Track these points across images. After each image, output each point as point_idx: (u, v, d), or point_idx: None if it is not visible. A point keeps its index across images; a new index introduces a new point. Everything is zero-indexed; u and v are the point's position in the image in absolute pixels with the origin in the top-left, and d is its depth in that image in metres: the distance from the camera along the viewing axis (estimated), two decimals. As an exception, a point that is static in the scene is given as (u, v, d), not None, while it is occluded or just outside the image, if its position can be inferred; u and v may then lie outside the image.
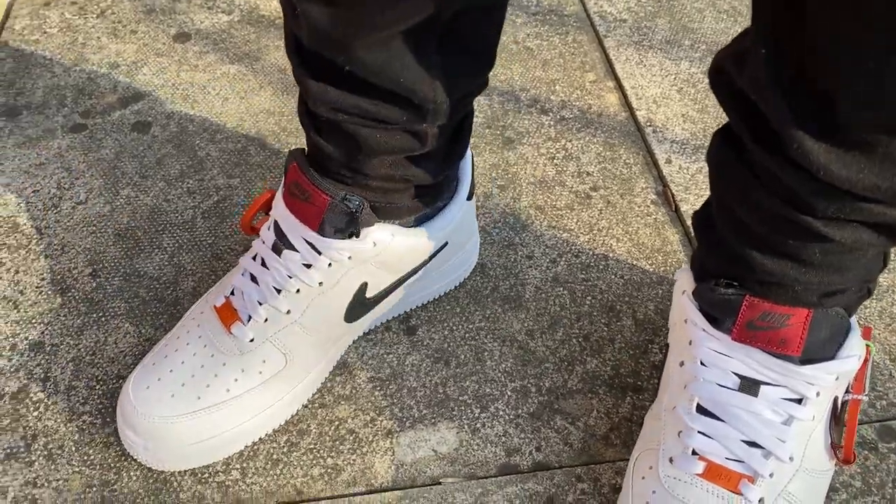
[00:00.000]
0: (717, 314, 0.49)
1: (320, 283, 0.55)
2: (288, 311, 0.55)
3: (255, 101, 0.85)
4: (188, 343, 0.56)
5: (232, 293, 0.57)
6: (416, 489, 0.56)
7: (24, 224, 0.72)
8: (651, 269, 0.70)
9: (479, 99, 0.85)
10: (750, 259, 0.47)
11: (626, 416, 0.60)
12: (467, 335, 0.65)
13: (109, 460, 0.57)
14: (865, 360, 0.52)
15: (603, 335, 0.65)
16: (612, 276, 0.70)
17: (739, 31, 0.94)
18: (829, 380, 0.48)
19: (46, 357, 0.63)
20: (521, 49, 0.92)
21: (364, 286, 0.57)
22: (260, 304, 0.55)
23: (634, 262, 0.71)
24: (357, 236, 0.54)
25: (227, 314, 0.56)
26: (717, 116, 0.84)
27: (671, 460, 0.49)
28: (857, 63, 0.36)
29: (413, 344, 0.65)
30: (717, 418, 0.48)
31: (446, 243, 0.61)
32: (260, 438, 0.58)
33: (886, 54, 0.35)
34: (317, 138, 0.52)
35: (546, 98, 0.86)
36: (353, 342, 0.64)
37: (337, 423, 0.60)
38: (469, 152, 0.62)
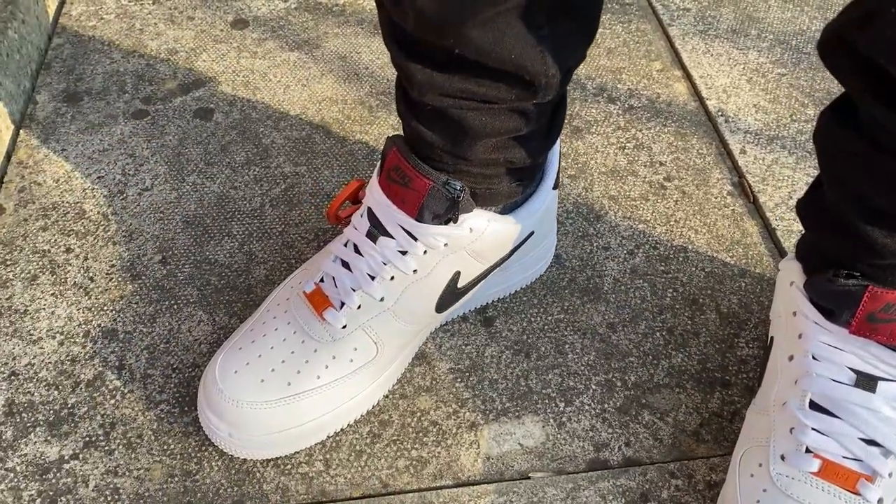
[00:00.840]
0: (832, 306, 0.47)
1: (415, 271, 0.54)
2: (382, 299, 0.54)
3: (317, 88, 0.83)
4: (276, 328, 0.55)
5: (322, 280, 0.56)
6: (506, 483, 0.54)
7: (91, 210, 0.71)
8: (732, 262, 0.68)
9: (544, 87, 0.84)
10: (871, 240, 0.45)
11: (715, 412, 0.59)
12: (546, 327, 0.64)
13: (190, 450, 0.56)
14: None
15: (687, 328, 0.64)
16: (693, 269, 0.68)
17: (806, 19, 0.93)
18: (950, 377, 0.46)
19: (120, 345, 0.62)
20: (584, 37, 0.90)
21: (457, 275, 0.56)
22: (353, 290, 0.54)
23: (714, 255, 0.69)
24: (455, 222, 0.52)
25: (319, 300, 0.55)
26: (789, 107, 0.82)
27: (783, 457, 0.47)
28: None
29: (491, 335, 0.63)
30: (833, 415, 0.46)
31: (532, 232, 0.59)
32: (342, 429, 0.57)
33: None
34: (419, 127, 0.51)
35: (613, 87, 0.84)
36: (430, 334, 0.62)
37: (419, 414, 0.58)
38: (558, 143, 0.60)
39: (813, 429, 0.46)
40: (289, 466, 0.55)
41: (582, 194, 0.74)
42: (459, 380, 0.60)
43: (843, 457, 0.46)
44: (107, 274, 0.66)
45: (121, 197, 0.73)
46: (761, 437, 0.49)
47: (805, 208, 0.52)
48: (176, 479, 0.55)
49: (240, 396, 0.53)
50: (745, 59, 0.88)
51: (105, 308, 0.64)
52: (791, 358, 0.49)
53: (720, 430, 0.58)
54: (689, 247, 0.69)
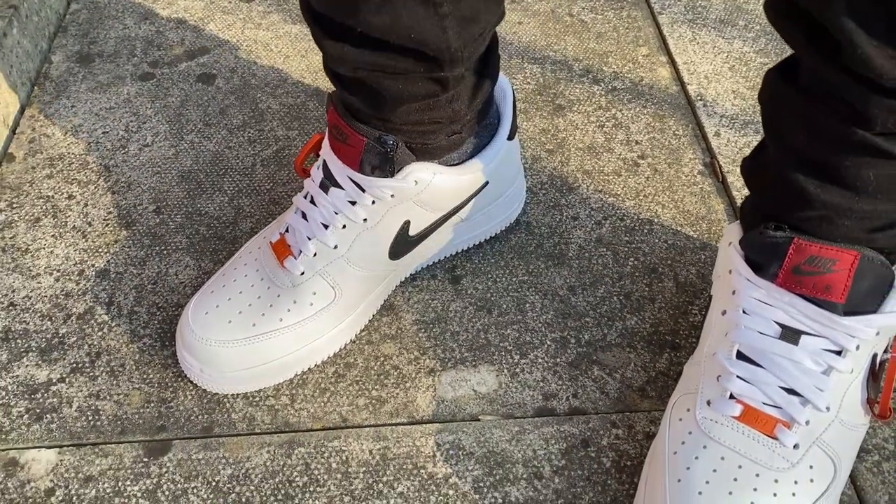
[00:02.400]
0: (762, 260, 0.50)
1: (364, 220, 0.58)
2: (335, 246, 0.58)
3: (315, 59, 0.88)
4: (246, 275, 0.60)
5: (286, 230, 0.60)
6: (456, 423, 0.58)
7: (94, 162, 0.76)
8: (695, 236, 0.71)
9: (531, 67, 0.87)
10: (804, 190, 0.48)
11: (662, 371, 0.62)
12: (510, 287, 0.67)
13: (167, 380, 0.60)
14: (907, 320, 0.52)
15: (644, 294, 0.67)
16: (656, 240, 0.71)
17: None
18: (869, 333, 0.49)
19: (111, 283, 0.66)
20: (575, 21, 0.93)
21: (407, 224, 0.60)
22: (309, 239, 0.58)
23: (679, 229, 0.72)
24: (393, 175, 0.56)
25: (281, 249, 0.59)
26: (768, 94, 0.85)
27: (709, 403, 0.50)
28: None
29: (457, 292, 0.67)
30: (757, 364, 0.50)
31: (487, 182, 0.63)
32: (309, 368, 0.61)
33: None
34: (343, 93, 0.55)
35: (598, 69, 0.88)
36: (400, 286, 0.66)
37: (382, 359, 0.62)
38: (510, 91, 0.63)
39: (738, 376, 0.50)
40: (257, 399, 0.59)
41: (557, 168, 0.77)
42: (423, 330, 0.64)
43: (764, 403, 0.49)
44: (104, 220, 0.71)
45: (122, 151, 0.77)
46: (692, 386, 0.52)
47: (748, 168, 0.55)
48: (152, 404, 0.59)
49: (209, 335, 0.57)
50: (730, 47, 0.91)
51: (100, 250, 0.69)
52: (724, 313, 0.52)
53: (664, 387, 0.61)
54: (655, 220, 0.73)
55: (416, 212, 0.60)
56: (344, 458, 0.56)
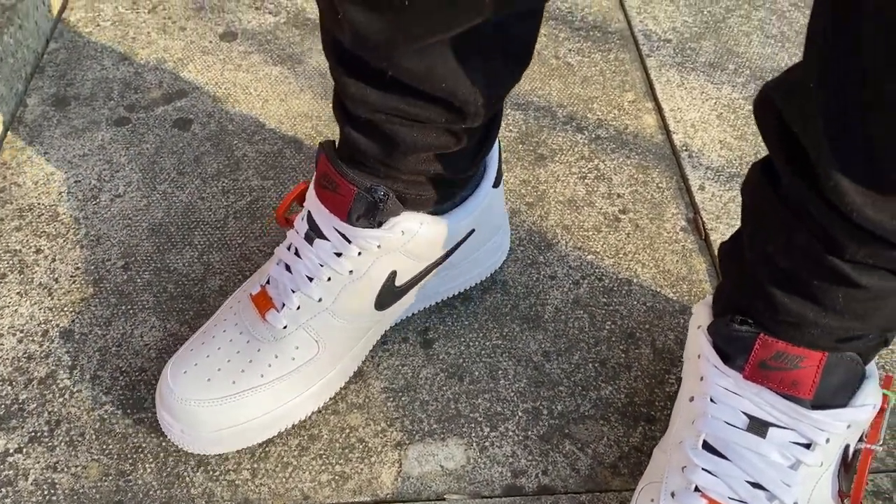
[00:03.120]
0: (730, 351, 0.48)
1: (350, 272, 0.57)
2: (320, 299, 0.57)
3: (294, 103, 0.86)
4: (225, 330, 0.58)
5: (268, 282, 0.59)
6: (420, 503, 0.57)
7: (64, 213, 0.75)
8: (675, 298, 0.70)
9: (514, 113, 0.85)
10: (772, 296, 0.47)
11: (636, 446, 0.60)
12: (483, 352, 0.66)
13: (127, 451, 0.59)
14: (882, 410, 0.51)
15: (620, 362, 0.65)
16: (635, 303, 0.69)
17: (786, 56, 0.93)
18: (840, 427, 0.47)
19: (75, 345, 0.65)
20: (561, 64, 0.92)
21: (393, 274, 0.59)
22: (293, 291, 0.57)
23: (658, 290, 0.70)
24: (381, 225, 0.55)
25: (263, 302, 0.58)
26: (755, 144, 0.83)
27: (673, 495, 0.48)
28: None
29: (429, 357, 0.65)
30: (723, 457, 0.48)
31: (473, 230, 0.62)
32: (271, 439, 0.59)
33: None
34: (352, 133, 0.54)
35: (583, 116, 0.86)
36: (370, 352, 0.65)
37: (348, 430, 0.60)
38: (497, 142, 0.63)
39: (703, 469, 0.48)
40: (217, 473, 0.58)
41: (536, 222, 0.75)
42: (392, 399, 0.62)
43: (730, 498, 0.47)
44: (71, 276, 0.70)
45: (94, 202, 0.76)
46: (658, 475, 0.50)
47: (724, 254, 0.54)
48: (110, 477, 0.58)
49: (188, 395, 0.56)
50: (719, 93, 0.89)
51: (65, 309, 0.67)
52: (692, 399, 0.50)
53: (637, 464, 0.59)
54: (634, 280, 0.71)
55: (402, 262, 0.59)
56: (304, 539, 0.55)
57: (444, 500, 0.57)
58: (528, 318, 0.68)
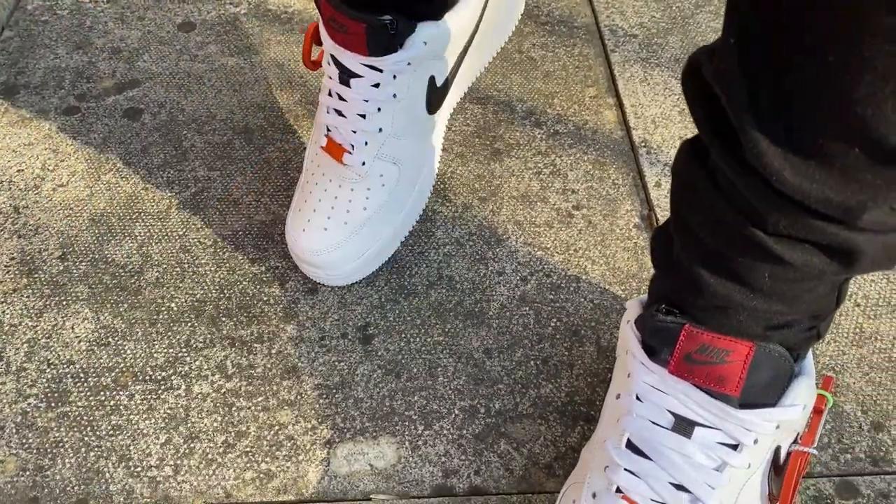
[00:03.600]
0: (655, 344, 0.46)
1: (394, 95, 0.62)
2: (380, 129, 0.63)
3: (248, 94, 0.84)
4: (317, 183, 0.65)
5: (329, 131, 0.64)
6: (346, 503, 0.55)
7: (3, 202, 0.73)
8: (623, 295, 0.68)
9: (472, 107, 0.84)
10: (698, 278, 0.45)
11: (573, 447, 0.58)
12: (423, 348, 0.64)
13: (46, 445, 0.57)
14: (819, 411, 0.49)
15: (563, 360, 0.63)
16: (582, 300, 0.67)
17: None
18: (768, 427, 0.45)
19: (3, 337, 0.63)
20: (523, 59, 0.90)
21: (433, 79, 0.64)
22: (354, 132, 0.63)
23: (607, 287, 0.68)
24: (403, 46, 0.59)
25: (335, 149, 0.64)
26: (716, 141, 0.81)
27: (594, 496, 0.46)
28: (824, 64, 0.34)
29: (367, 353, 0.63)
30: (646, 457, 0.46)
31: (486, 2, 0.68)
32: (196, 436, 0.58)
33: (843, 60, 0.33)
34: None
35: (542, 111, 0.84)
36: (305, 347, 0.63)
37: (277, 427, 0.59)
38: None
39: (625, 469, 0.46)
40: (139, 469, 0.56)
41: (488, 217, 0.74)
42: (325, 396, 0.61)
43: (652, 499, 0.45)
44: (5, 266, 0.68)
45: (35, 192, 0.74)
46: (582, 475, 0.49)
47: (655, 241, 0.52)
48: (27, 472, 0.56)
49: (315, 247, 0.63)
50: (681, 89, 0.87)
51: (-4, 299, 0.66)
52: (618, 396, 0.49)
53: (573, 465, 0.57)
54: (583, 277, 0.69)
55: (435, 66, 0.64)
56: (222, 538, 0.53)
57: (369, 499, 0.55)
58: (472, 314, 0.66)
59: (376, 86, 0.61)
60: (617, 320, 0.66)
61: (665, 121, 0.83)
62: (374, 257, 0.66)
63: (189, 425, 0.58)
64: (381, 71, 0.60)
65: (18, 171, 0.76)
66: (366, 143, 0.63)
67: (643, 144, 0.81)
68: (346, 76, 0.61)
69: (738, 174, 0.41)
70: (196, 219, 0.72)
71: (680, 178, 0.48)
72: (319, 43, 0.65)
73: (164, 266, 0.69)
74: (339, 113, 0.63)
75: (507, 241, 0.72)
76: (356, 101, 0.61)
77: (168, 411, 0.59)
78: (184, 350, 0.63)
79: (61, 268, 0.68)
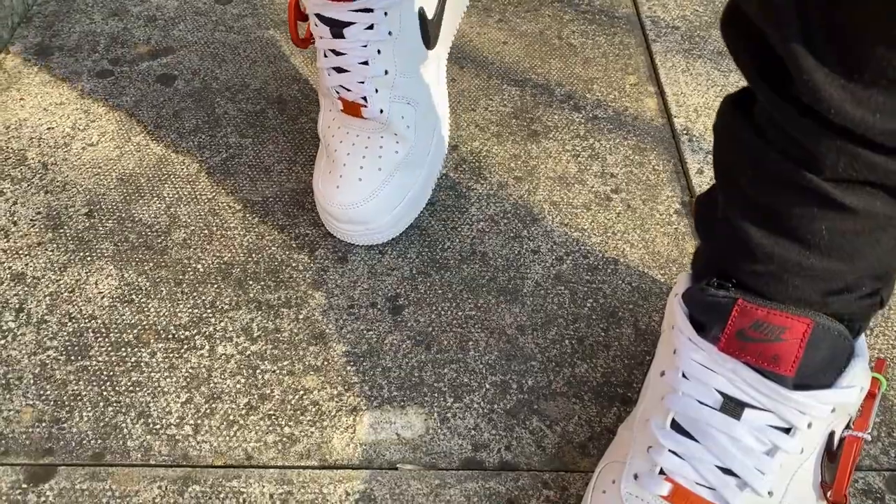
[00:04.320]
0: (705, 320, 0.44)
1: (390, 33, 0.61)
2: (385, 72, 0.62)
3: (282, 66, 0.83)
4: (342, 141, 0.64)
5: (338, 93, 0.63)
6: (371, 471, 0.53)
7: (32, 158, 0.72)
8: (662, 280, 0.66)
9: (510, 89, 0.82)
10: (748, 239, 0.42)
11: (609, 427, 0.56)
12: (454, 321, 0.62)
13: (64, 398, 0.55)
14: (872, 395, 0.46)
15: (599, 340, 0.61)
16: (620, 282, 0.65)
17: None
18: (823, 410, 0.42)
19: (26, 289, 0.62)
20: (563, 45, 0.88)
21: (422, 11, 0.65)
22: (362, 83, 0.62)
23: (646, 271, 0.66)
24: None
25: (352, 107, 0.63)
26: (760, 133, 0.79)
27: (636, 477, 0.44)
28: None
29: (396, 323, 0.61)
30: (693, 438, 0.43)
31: None
32: (219, 396, 0.56)
33: None
34: None
35: (581, 95, 0.82)
36: (334, 314, 0.61)
37: (302, 392, 0.57)
38: None
39: (670, 450, 0.43)
40: (158, 426, 0.54)
41: (524, 196, 0.72)
42: (352, 363, 0.59)
43: (697, 483, 0.43)
44: (31, 220, 0.67)
45: (65, 149, 0.73)
46: (621, 454, 0.46)
47: (699, 206, 0.49)
48: (43, 424, 0.54)
49: (352, 200, 0.62)
50: (725, 80, 0.85)
51: (20, 252, 0.64)
52: (663, 374, 0.46)
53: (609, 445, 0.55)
54: (621, 260, 0.67)
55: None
56: (241, 500, 0.51)
57: (396, 469, 0.53)
58: (505, 290, 0.64)
59: (370, 27, 0.61)
60: (656, 304, 0.64)
61: (708, 110, 0.81)
62: (408, 207, 0.65)
63: (211, 385, 0.57)
64: (371, 11, 0.60)
65: (49, 129, 0.75)
66: (376, 91, 0.62)
67: (685, 132, 0.79)
68: (338, 28, 0.60)
69: (789, 117, 0.38)
70: (226, 183, 0.71)
71: (723, 134, 0.45)
72: (303, 19, 0.65)
73: (192, 228, 0.67)
74: (341, 70, 0.62)
75: (542, 221, 0.70)
76: (354, 49, 0.61)
77: (190, 370, 0.57)
78: (209, 311, 0.61)
79: (87, 224, 0.67)
